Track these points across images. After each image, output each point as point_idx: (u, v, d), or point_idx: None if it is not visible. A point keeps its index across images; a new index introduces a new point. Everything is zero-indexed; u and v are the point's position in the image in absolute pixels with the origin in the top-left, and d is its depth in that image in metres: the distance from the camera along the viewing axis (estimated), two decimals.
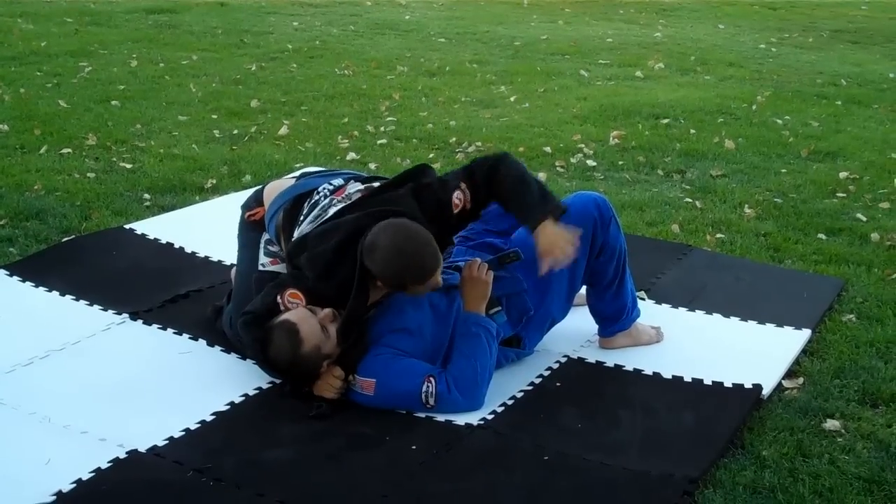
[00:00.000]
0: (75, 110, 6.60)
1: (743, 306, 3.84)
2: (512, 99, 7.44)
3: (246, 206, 3.52)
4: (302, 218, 3.24)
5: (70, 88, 7.23)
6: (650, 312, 3.71)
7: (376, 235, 2.94)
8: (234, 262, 3.58)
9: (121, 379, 3.23)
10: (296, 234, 3.21)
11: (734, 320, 3.76)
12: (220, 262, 4.12)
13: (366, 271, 2.98)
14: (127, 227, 4.49)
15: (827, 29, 11.44)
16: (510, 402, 3.13)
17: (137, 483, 2.68)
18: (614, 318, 3.47)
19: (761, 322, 3.72)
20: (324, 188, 3.30)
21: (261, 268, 3.37)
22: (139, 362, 3.35)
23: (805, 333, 3.61)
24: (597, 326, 3.52)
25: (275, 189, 3.44)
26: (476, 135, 6.29)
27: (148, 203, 4.91)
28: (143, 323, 3.60)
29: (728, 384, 3.24)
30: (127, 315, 3.64)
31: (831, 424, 3.03)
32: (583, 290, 3.50)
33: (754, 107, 7.31)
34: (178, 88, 7.39)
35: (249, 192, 3.71)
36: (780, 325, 3.69)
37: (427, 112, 6.96)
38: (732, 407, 3.11)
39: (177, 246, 4.31)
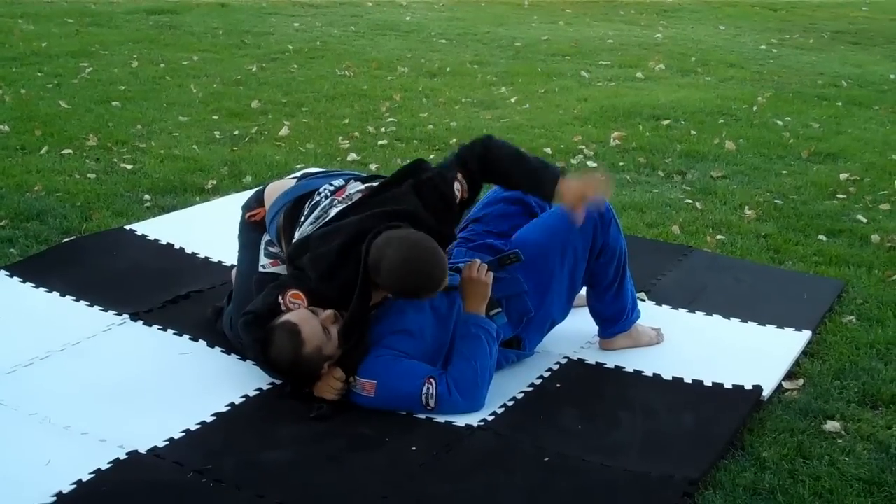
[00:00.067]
0: (76, 111, 6.60)
1: (743, 308, 3.84)
2: (512, 100, 7.44)
3: (247, 207, 3.52)
4: (303, 219, 3.24)
5: (71, 89, 7.23)
6: (650, 314, 3.71)
7: (382, 252, 2.91)
8: (235, 262, 3.58)
9: (121, 380, 3.23)
10: (297, 236, 3.20)
11: (734, 321, 3.76)
12: (220, 262, 4.12)
13: (367, 273, 2.98)
14: (127, 227, 4.49)
15: (828, 30, 11.44)
16: (510, 404, 3.13)
17: (137, 484, 2.68)
18: (614, 320, 3.47)
19: (761, 323, 3.72)
20: (324, 189, 3.30)
21: (261, 269, 3.37)
22: (139, 363, 3.34)
23: (805, 335, 3.61)
24: (597, 328, 3.52)
25: (276, 190, 3.44)
26: (477, 136, 6.28)
27: (148, 204, 4.91)
28: (144, 324, 3.60)
29: (728, 385, 3.24)
30: (127, 316, 3.64)
31: (831, 426, 3.03)
32: (583, 291, 3.50)
33: (755, 108, 7.31)
34: (179, 89, 7.39)
35: (250, 192, 3.70)
36: (780, 326, 3.69)
37: (428, 113, 6.96)
38: (732, 408, 3.11)
39: (177, 247, 4.31)
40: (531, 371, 3.33)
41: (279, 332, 2.95)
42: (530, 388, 3.23)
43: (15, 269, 3.99)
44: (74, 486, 2.64)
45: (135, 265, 4.10)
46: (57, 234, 4.43)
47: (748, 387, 3.21)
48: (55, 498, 2.59)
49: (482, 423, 3.00)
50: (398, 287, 2.98)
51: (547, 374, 3.33)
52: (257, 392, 3.16)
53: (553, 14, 12.13)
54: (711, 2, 13.36)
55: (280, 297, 3.03)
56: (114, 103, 6.84)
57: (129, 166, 5.47)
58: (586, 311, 3.52)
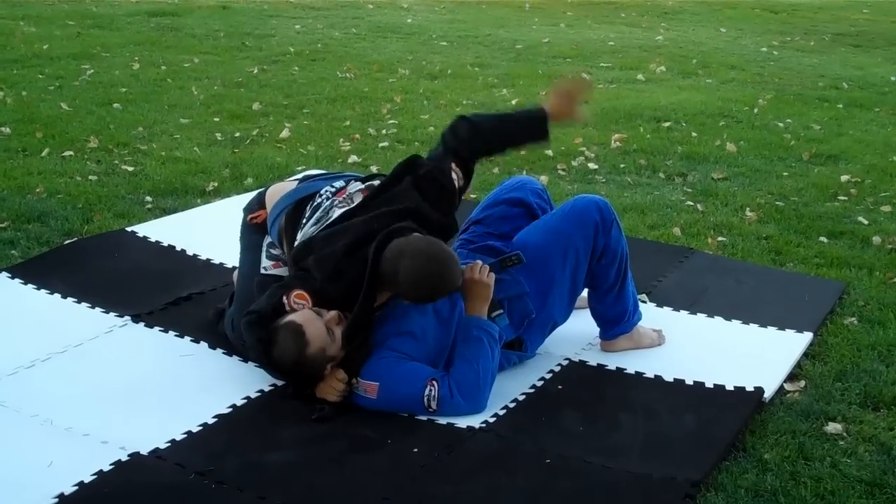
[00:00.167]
0: (77, 113, 6.60)
1: (744, 309, 3.84)
2: (513, 102, 7.44)
3: (248, 209, 3.52)
4: (304, 221, 3.24)
5: (72, 91, 7.24)
6: (652, 315, 3.71)
7: (397, 263, 2.92)
8: (236, 264, 3.58)
9: (123, 381, 3.23)
10: (299, 237, 3.21)
11: (736, 323, 3.76)
12: (221, 264, 4.12)
13: (375, 276, 2.98)
14: (129, 229, 4.49)
15: (828, 32, 11.44)
16: (512, 405, 3.13)
17: (139, 485, 2.68)
18: (616, 321, 3.47)
19: (763, 325, 3.72)
20: (326, 191, 3.30)
21: (263, 271, 3.38)
22: (141, 365, 3.35)
23: (806, 337, 3.61)
24: (598, 329, 3.52)
25: (277, 192, 3.44)
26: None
27: (150, 206, 4.91)
28: (145, 325, 3.60)
29: (730, 387, 3.24)
30: (129, 317, 3.64)
31: (833, 427, 3.03)
32: (584, 293, 3.50)
33: (756, 110, 7.31)
34: (180, 91, 7.40)
35: (251, 194, 3.71)
36: (781, 328, 3.69)
37: (429, 115, 6.96)
38: (734, 410, 3.11)
39: (178, 248, 4.31)
40: (532, 372, 3.33)
41: (283, 333, 2.95)
42: (532, 390, 3.23)
43: (16, 271, 3.99)
44: (76, 487, 2.64)
45: (136, 267, 4.11)
46: (58, 236, 4.44)
47: (750, 388, 3.21)
48: (57, 499, 2.59)
49: (484, 425, 3.00)
50: (416, 294, 3.01)
51: (548, 376, 3.33)
52: (259, 394, 3.16)
53: (554, 16, 12.13)
54: (712, 4, 13.37)
55: (284, 298, 3.02)
56: (115, 105, 6.85)
57: (130, 168, 5.47)
58: (588, 312, 3.52)
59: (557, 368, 3.38)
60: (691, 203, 5.16)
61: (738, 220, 4.90)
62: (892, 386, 3.29)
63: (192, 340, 3.50)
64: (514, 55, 9.42)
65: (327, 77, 8.12)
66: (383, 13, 11.83)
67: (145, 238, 4.40)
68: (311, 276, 3.04)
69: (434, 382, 3.01)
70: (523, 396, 3.19)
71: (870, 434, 3.01)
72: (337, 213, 3.17)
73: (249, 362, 3.32)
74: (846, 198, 5.30)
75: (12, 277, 3.94)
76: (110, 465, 2.74)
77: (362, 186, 3.28)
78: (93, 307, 3.72)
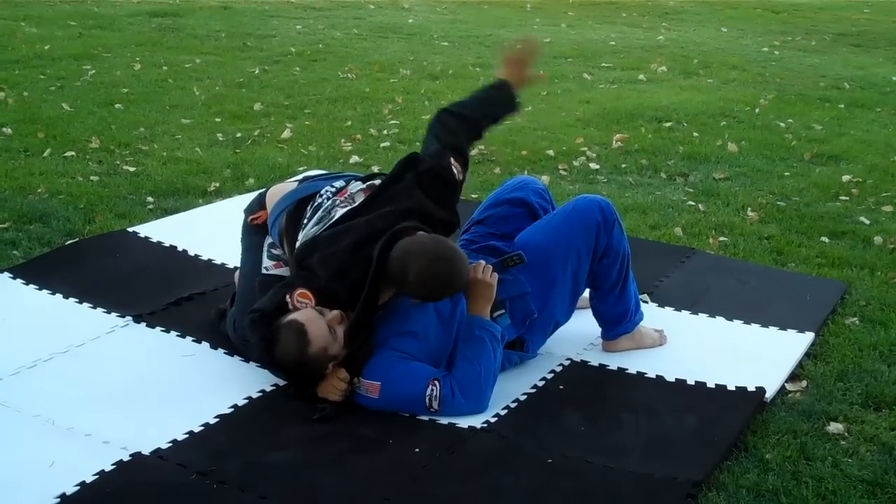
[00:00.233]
0: (79, 113, 6.61)
1: (746, 309, 3.84)
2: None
3: (249, 210, 3.53)
4: (306, 221, 3.24)
5: (73, 92, 7.24)
6: (653, 315, 3.71)
7: (405, 263, 2.93)
8: (238, 265, 3.58)
9: (124, 381, 3.23)
10: (300, 237, 3.21)
11: (737, 323, 3.76)
12: (223, 264, 4.12)
13: (379, 276, 2.98)
14: (130, 230, 4.49)
15: (830, 32, 11.44)
16: (513, 405, 3.13)
17: (141, 486, 2.68)
18: (617, 321, 3.47)
19: (764, 325, 3.72)
20: (326, 191, 3.30)
21: (264, 271, 3.38)
22: (142, 365, 3.35)
23: (808, 336, 3.61)
24: (600, 329, 3.52)
25: (277, 193, 3.45)
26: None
27: (151, 206, 4.92)
28: (147, 326, 3.60)
29: (731, 387, 3.24)
30: (130, 318, 3.64)
31: (834, 427, 3.03)
32: (586, 293, 3.50)
33: (757, 110, 7.31)
34: (182, 92, 7.40)
35: (253, 195, 3.71)
36: (783, 328, 3.69)
37: (430, 115, 6.89)
38: (735, 410, 3.11)
39: (180, 249, 4.31)
40: (534, 372, 3.33)
41: (285, 331, 2.95)
42: (533, 390, 3.23)
43: (18, 272, 3.99)
44: (78, 487, 2.64)
45: (138, 267, 4.11)
46: (60, 237, 4.44)
47: (751, 388, 3.21)
48: (59, 499, 2.59)
49: (485, 425, 3.00)
50: (425, 293, 3.01)
51: (550, 376, 3.33)
52: (260, 394, 3.16)
53: (555, 16, 12.13)
54: (713, 4, 13.37)
55: (288, 296, 3.03)
56: (116, 106, 6.85)
57: (131, 168, 5.48)
58: (589, 312, 3.52)
59: (559, 368, 3.38)
60: (693, 203, 5.16)
61: (740, 220, 4.90)
62: (894, 386, 3.29)
63: (193, 340, 3.50)
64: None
65: (328, 77, 8.13)
66: (384, 13, 11.83)
67: (147, 238, 4.40)
68: (314, 275, 3.05)
69: (436, 382, 3.01)
70: (525, 396, 3.19)
71: (871, 434, 3.01)
72: (339, 212, 3.17)
73: (251, 362, 3.33)
74: (848, 198, 5.30)
75: (14, 278, 3.94)
76: (112, 465, 2.74)
77: (363, 186, 3.28)
78: (94, 307, 3.72)
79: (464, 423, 3.00)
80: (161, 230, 4.49)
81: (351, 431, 2.95)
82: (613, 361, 3.43)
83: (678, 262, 4.32)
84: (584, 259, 3.32)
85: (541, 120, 6.88)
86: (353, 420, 3.00)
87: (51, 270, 4.00)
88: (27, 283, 3.90)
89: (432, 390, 3.00)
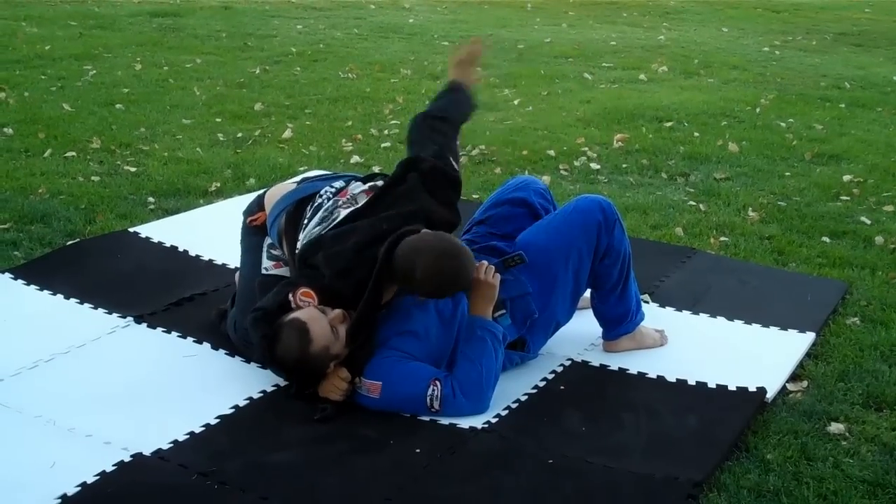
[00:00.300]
0: (79, 114, 6.61)
1: (747, 309, 3.84)
2: (515, 102, 7.44)
3: (247, 212, 3.54)
4: (306, 221, 3.24)
5: (74, 92, 7.24)
6: (654, 315, 3.71)
7: (412, 261, 2.94)
8: (238, 265, 3.58)
9: (125, 382, 3.23)
10: (301, 237, 3.21)
11: (738, 323, 3.76)
12: (224, 265, 4.12)
13: (382, 276, 2.99)
14: (131, 230, 4.49)
15: (831, 32, 11.44)
16: (514, 406, 3.13)
17: (142, 486, 2.68)
18: (618, 322, 3.47)
19: (765, 325, 3.72)
20: (326, 191, 3.31)
21: (264, 272, 3.38)
22: (143, 365, 3.35)
23: (809, 337, 3.61)
24: (601, 330, 3.52)
25: (276, 194, 3.45)
26: (479, 138, 6.29)
27: (152, 206, 4.92)
28: (148, 326, 3.60)
29: (732, 387, 3.24)
30: (131, 318, 3.64)
31: (835, 428, 3.03)
32: (587, 293, 3.50)
33: (758, 110, 7.31)
34: (182, 92, 7.40)
35: (254, 195, 3.71)
36: (784, 328, 3.69)
37: None
38: (736, 410, 3.11)
39: (181, 249, 4.31)
40: (535, 373, 3.33)
41: (287, 330, 2.95)
42: (534, 391, 3.23)
43: (19, 272, 3.99)
44: (79, 488, 2.64)
45: (139, 268, 4.11)
46: (61, 237, 4.44)
47: (752, 389, 3.21)
48: (60, 500, 2.59)
49: (486, 426, 3.00)
50: (431, 290, 3.02)
51: (551, 376, 3.33)
52: (261, 394, 3.16)
53: (556, 16, 12.13)
54: (714, 4, 13.36)
55: (290, 295, 3.03)
56: (117, 106, 6.85)
57: (132, 169, 5.48)
58: (590, 313, 3.52)
59: (560, 369, 3.38)
60: (693, 203, 5.16)
61: (741, 220, 4.90)
62: (895, 386, 3.29)
63: (194, 341, 3.50)
64: (515, 55, 9.41)
65: (329, 77, 8.12)
66: (385, 13, 11.83)
67: (148, 239, 4.40)
68: (318, 273, 3.05)
69: (437, 382, 3.01)
70: (525, 397, 3.19)
71: (872, 434, 3.01)
72: (343, 213, 3.18)
73: (252, 363, 3.33)
74: (848, 198, 5.29)
75: (15, 278, 3.95)
76: (113, 465, 2.74)
77: (365, 187, 3.28)
78: (95, 308, 3.72)
79: (465, 423, 3.00)
80: (162, 230, 4.49)
81: (352, 432, 2.95)
82: (614, 362, 3.43)
83: (679, 263, 4.32)
84: (586, 259, 3.32)
85: (541, 120, 6.88)
86: (353, 420, 3.01)
87: (52, 271, 4.01)
88: (28, 284, 3.90)
89: (433, 390, 3.00)
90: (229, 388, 3.19)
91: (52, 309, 3.74)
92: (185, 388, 3.22)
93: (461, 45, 3.56)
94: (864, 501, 2.70)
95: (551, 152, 6.03)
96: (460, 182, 3.28)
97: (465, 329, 3.14)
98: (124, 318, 3.65)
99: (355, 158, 5.84)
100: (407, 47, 9.66)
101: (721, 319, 3.79)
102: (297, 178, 3.60)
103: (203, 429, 2.96)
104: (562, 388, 3.27)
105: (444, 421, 3.01)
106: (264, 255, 3.41)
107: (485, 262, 3.20)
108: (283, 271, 3.35)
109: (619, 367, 3.40)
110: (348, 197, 3.25)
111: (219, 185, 5.26)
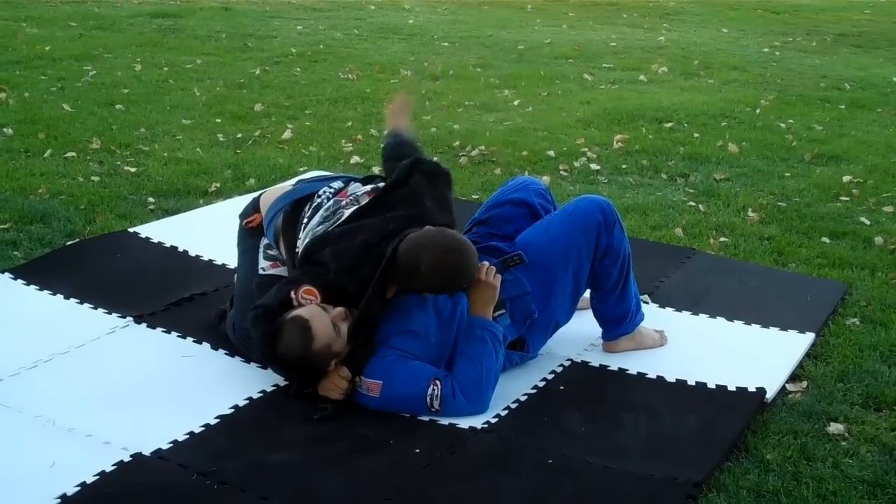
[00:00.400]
0: (79, 114, 6.61)
1: (746, 310, 3.84)
2: (515, 103, 7.45)
3: (243, 215, 3.55)
4: (305, 220, 3.24)
5: (74, 92, 7.25)
6: (654, 316, 3.71)
7: (417, 256, 2.96)
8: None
9: (125, 382, 3.23)
10: (301, 235, 3.22)
11: (738, 324, 3.76)
12: (223, 265, 4.12)
13: (388, 273, 2.99)
14: (131, 230, 4.49)
15: (831, 33, 11.44)
16: (514, 406, 3.13)
17: (142, 486, 2.68)
18: (618, 322, 3.47)
19: (765, 326, 3.72)
20: (325, 191, 3.31)
21: (261, 272, 3.39)
22: (143, 365, 3.35)
23: (809, 337, 3.61)
24: (600, 330, 3.52)
25: (271, 196, 3.47)
26: (479, 139, 6.29)
27: (152, 206, 4.92)
28: (147, 326, 3.60)
29: (732, 388, 3.24)
30: (131, 318, 3.64)
31: (835, 428, 3.03)
32: (587, 293, 3.50)
33: (758, 110, 7.31)
34: (182, 92, 7.40)
35: (253, 195, 3.72)
36: (783, 328, 3.69)
37: (430, 116, 6.96)
38: (736, 410, 3.11)
39: (181, 249, 4.31)
40: (535, 373, 3.33)
41: (289, 327, 2.95)
42: (534, 391, 3.23)
43: (19, 272, 3.99)
44: (78, 488, 2.64)
45: (138, 268, 4.11)
46: (61, 237, 4.44)
47: (752, 389, 3.21)
48: (59, 500, 2.59)
49: (486, 426, 3.00)
50: (437, 285, 3.04)
51: (550, 377, 3.33)
52: (261, 394, 3.16)
53: (556, 17, 12.13)
54: (714, 5, 13.37)
55: (293, 292, 3.03)
56: (117, 106, 6.86)
57: (132, 169, 5.48)
58: (590, 313, 3.52)
59: (559, 369, 3.38)
60: (693, 204, 5.16)
61: (741, 221, 4.90)
62: (894, 386, 3.29)
63: (194, 341, 3.50)
64: (515, 56, 9.42)
65: (329, 78, 8.13)
66: (385, 14, 11.84)
67: (147, 239, 4.41)
68: (322, 270, 3.06)
69: (437, 382, 3.01)
70: (525, 397, 3.19)
71: (872, 434, 3.01)
72: (347, 212, 3.19)
73: (252, 363, 3.33)
74: (848, 198, 5.30)
75: (15, 278, 3.95)
76: (112, 465, 2.74)
77: (367, 188, 3.29)
78: (95, 308, 3.72)
79: (464, 423, 3.00)
80: (162, 231, 4.49)
81: (351, 432, 2.95)
82: (614, 362, 3.43)
83: (679, 263, 4.32)
84: (585, 259, 3.32)
85: (541, 120, 6.88)
86: (353, 420, 3.01)
87: (51, 271, 4.01)
88: (28, 284, 3.90)
89: (433, 390, 3.00)
90: (229, 388, 3.19)
91: (51, 309, 3.74)
92: (185, 388, 3.22)
93: (393, 98, 3.91)
94: (864, 502, 2.70)
95: (551, 153, 6.03)
96: (451, 180, 3.36)
97: (464, 329, 3.15)
98: (124, 318, 3.65)
99: (355, 159, 5.84)
100: (407, 48, 9.67)
101: (721, 320, 3.79)
102: (293, 181, 3.60)
103: (203, 429, 2.96)
104: (562, 388, 3.27)
105: (444, 421, 3.01)
106: (261, 255, 3.42)
107: (486, 263, 3.20)
108: (280, 271, 3.35)
109: (619, 368, 3.40)
110: (350, 198, 3.25)
111: (218, 185, 5.27)
